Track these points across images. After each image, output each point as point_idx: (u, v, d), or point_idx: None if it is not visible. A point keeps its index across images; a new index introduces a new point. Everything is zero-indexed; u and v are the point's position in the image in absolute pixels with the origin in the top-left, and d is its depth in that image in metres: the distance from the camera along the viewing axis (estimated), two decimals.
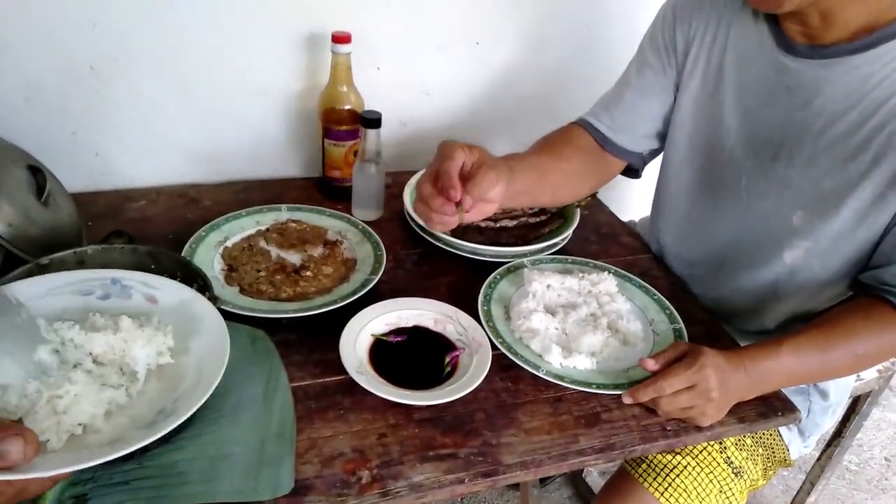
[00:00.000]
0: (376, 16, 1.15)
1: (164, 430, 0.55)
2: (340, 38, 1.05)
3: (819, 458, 1.40)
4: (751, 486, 0.96)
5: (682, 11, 0.96)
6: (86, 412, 0.58)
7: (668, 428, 0.79)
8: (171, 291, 0.72)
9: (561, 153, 0.99)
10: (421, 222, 1.03)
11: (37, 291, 0.68)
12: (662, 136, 1.04)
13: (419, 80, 1.26)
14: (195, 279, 0.77)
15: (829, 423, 1.05)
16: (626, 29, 1.12)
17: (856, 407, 1.29)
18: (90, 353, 0.63)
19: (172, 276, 0.76)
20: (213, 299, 0.73)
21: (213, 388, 0.60)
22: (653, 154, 1.07)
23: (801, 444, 1.01)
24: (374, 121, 1.03)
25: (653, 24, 1.01)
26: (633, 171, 1.08)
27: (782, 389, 0.85)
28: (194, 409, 0.58)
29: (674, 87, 0.99)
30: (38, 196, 0.87)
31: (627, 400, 0.79)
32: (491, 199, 0.77)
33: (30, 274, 0.72)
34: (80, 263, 0.76)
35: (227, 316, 0.70)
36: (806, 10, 0.78)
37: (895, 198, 0.79)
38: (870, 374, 1.23)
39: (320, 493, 0.66)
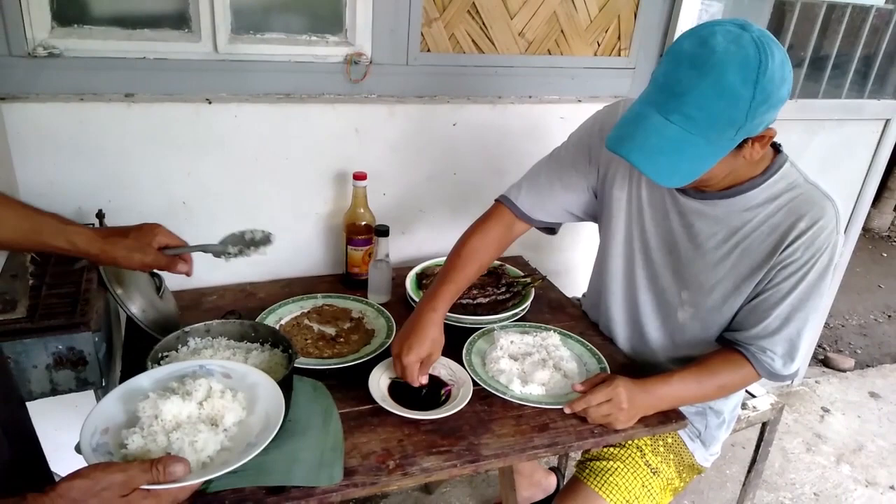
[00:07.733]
0: (384, 159, 1.62)
1: (256, 450, 0.83)
2: (359, 176, 1.51)
3: (744, 485, 1.73)
4: (668, 483, 1.31)
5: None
6: (211, 448, 0.85)
7: (595, 431, 1.16)
8: (239, 370, 0.99)
9: (485, 228, 1.32)
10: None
11: (160, 375, 0.96)
12: (574, 216, 1.37)
13: (415, 201, 1.72)
14: (282, 342, 1.12)
15: (724, 435, 1.40)
16: None
17: (763, 436, 1.65)
18: (202, 410, 0.90)
19: (266, 342, 1.13)
20: (294, 355, 1.08)
21: (279, 426, 0.87)
22: (569, 219, 1.37)
23: (704, 452, 1.37)
24: (383, 231, 1.46)
25: (583, 134, 1.29)
26: (550, 230, 1.40)
27: (679, 409, 1.22)
28: (270, 439, 0.85)
29: (591, 189, 1.32)
30: (157, 291, 1.27)
31: (567, 410, 1.16)
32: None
33: (178, 339, 1.10)
34: (207, 331, 1.14)
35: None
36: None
37: (746, 289, 1.18)
38: (764, 406, 1.60)
39: (363, 475, 1.02)
